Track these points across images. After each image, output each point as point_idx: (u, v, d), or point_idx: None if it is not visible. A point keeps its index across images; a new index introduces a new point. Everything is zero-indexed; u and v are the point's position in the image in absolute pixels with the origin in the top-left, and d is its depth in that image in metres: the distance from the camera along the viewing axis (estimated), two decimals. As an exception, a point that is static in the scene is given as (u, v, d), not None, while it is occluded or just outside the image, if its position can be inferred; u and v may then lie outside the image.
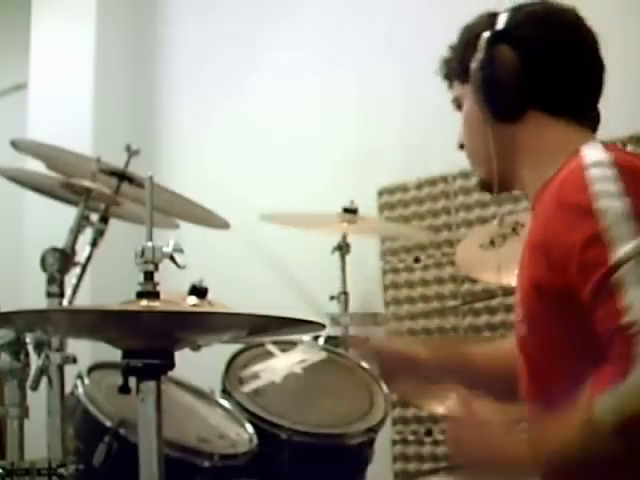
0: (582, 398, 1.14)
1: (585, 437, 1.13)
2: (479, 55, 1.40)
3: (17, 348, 1.68)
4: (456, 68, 1.49)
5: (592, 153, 1.27)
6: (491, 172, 1.45)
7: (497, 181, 1.45)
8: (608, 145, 1.33)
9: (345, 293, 2.73)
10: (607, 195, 1.19)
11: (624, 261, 1.13)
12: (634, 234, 1.14)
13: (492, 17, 1.44)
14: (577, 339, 1.24)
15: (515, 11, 1.43)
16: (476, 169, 1.51)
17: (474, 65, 1.40)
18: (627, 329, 1.11)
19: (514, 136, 1.42)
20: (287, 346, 2.34)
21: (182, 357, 1.36)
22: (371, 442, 2.19)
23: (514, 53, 1.38)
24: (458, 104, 1.51)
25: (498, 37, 1.39)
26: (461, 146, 1.52)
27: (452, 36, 1.51)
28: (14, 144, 2.16)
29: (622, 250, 1.14)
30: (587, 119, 1.43)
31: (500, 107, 1.41)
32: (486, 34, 1.39)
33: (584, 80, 1.41)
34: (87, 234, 2.05)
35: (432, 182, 3.37)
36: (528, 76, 1.38)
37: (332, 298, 2.73)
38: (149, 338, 1.30)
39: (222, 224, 2.33)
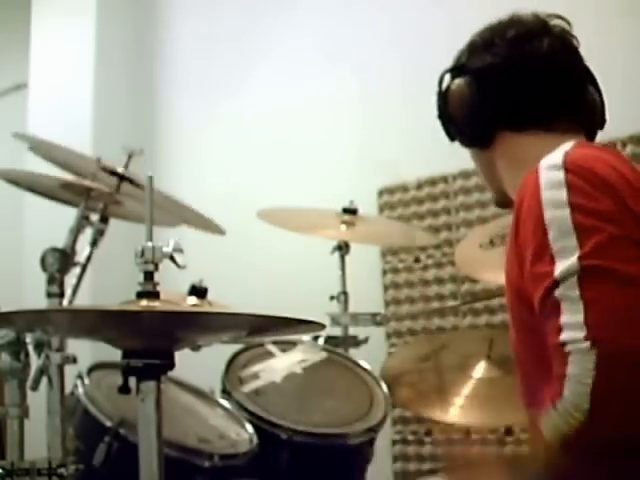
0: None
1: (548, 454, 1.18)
2: (438, 92, 1.49)
3: (17, 348, 1.68)
4: None
5: (551, 156, 1.28)
6: (493, 192, 1.54)
7: (500, 199, 1.53)
8: (579, 144, 1.34)
9: (345, 293, 2.73)
10: (553, 204, 1.20)
11: (561, 279, 1.15)
12: (573, 248, 1.16)
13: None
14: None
15: (467, 45, 1.49)
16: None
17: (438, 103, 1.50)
18: (558, 349, 1.13)
19: (493, 158, 1.48)
20: (287, 346, 2.34)
21: (182, 357, 1.36)
22: (371, 442, 2.19)
23: (466, 84, 1.44)
24: None
25: (454, 72, 1.47)
26: None
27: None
28: (17, 137, 2.16)
29: (560, 267, 1.16)
30: (568, 124, 1.43)
31: (468, 137, 1.49)
32: (444, 73, 1.48)
33: (544, 91, 1.42)
34: (87, 234, 2.05)
35: (432, 182, 3.36)
36: (482, 103, 1.43)
37: (332, 298, 2.72)
38: (149, 338, 1.31)
39: (218, 230, 2.33)
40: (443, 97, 1.48)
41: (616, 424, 1.10)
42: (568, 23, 1.46)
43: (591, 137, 1.47)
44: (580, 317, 1.12)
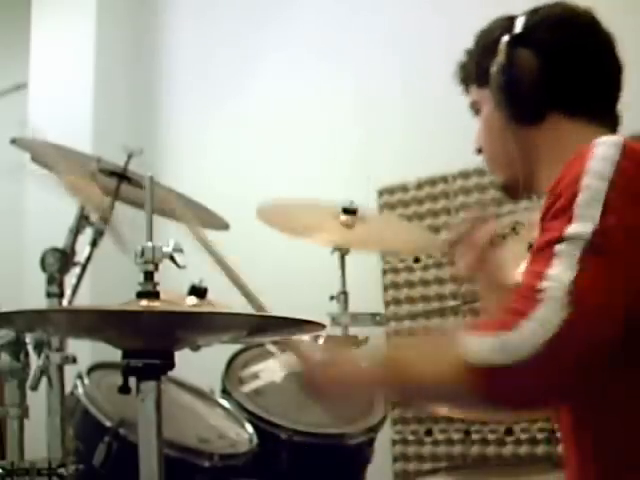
0: (461, 333, 1.16)
1: (447, 368, 1.16)
2: (499, 59, 1.40)
3: (17, 348, 1.68)
4: (474, 72, 1.49)
5: (607, 137, 1.27)
6: (513, 176, 1.46)
7: (521, 185, 1.46)
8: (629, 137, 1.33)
9: (345, 293, 2.72)
10: (595, 174, 1.19)
11: (567, 238, 1.15)
12: (594, 217, 1.15)
13: (509, 21, 1.45)
14: None
15: (532, 14, 1.44)
16: (497, 174, 1.52)
17: (494, 69, 1.41)
18: (532, 291, 1.13)
19: (535, 139, 1.43)
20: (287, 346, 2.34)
21: (182, 357, 1.36)
22: (371, 442, 2.20)
23: (533, 56, 1.39)
24: (476, 109, 1.51)
25: (517, 40, 1.40)
26: (479, 150, 1.52)
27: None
28: (14, 142, 2.16)
29: (574, 227, 1.15)
30: (607, 119, 1.44)
31: (520, 110, 1.42)
32: (506, 37, 1.41)
33: (602, 81, 1.43)
34: (87, 234, 2.05)
35: (432, 182, 3.36)
36: (547, 79, 1.39)
37: (332, 298, 2.72)
38: (149, 338, 1.31)
39: (222, 225, 2.33)
40: (508, 63, 1.40)
41: (551, 377, 1.11)
42: None
43: None
44: (570, 276, 1.12)
